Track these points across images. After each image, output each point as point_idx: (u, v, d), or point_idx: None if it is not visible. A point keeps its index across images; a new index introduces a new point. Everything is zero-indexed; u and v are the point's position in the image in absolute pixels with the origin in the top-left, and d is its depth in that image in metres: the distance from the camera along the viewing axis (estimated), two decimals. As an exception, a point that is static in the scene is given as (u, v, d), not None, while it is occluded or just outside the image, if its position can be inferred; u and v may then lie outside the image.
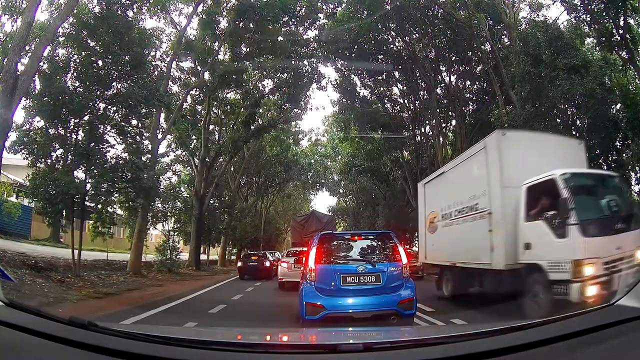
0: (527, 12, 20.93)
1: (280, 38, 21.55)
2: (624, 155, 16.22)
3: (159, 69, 17.54)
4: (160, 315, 7.66)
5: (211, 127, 27.07)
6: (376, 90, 26.36)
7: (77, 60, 12.57)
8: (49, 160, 12.09)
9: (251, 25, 20.35)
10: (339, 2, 21.72)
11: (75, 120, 12.24)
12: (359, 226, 39.24)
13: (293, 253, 15.48)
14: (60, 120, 11.85)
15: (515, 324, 1.86)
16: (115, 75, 12.94)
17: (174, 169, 30.15)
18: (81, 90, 12.34)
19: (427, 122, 26.23)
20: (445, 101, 24.44)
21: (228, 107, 26.80)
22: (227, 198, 31.16)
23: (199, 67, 22.09)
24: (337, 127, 33.12)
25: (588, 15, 15.23)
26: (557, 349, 1.57)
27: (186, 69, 23.71)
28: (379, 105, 27.04)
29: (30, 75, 10.86)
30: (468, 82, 24.38)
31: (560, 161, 7.35)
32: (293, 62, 22.69)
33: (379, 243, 6.90)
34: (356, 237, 7.18)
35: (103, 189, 12.61)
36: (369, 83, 25.84)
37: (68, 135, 12.31)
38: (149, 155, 15.64)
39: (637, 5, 14.19)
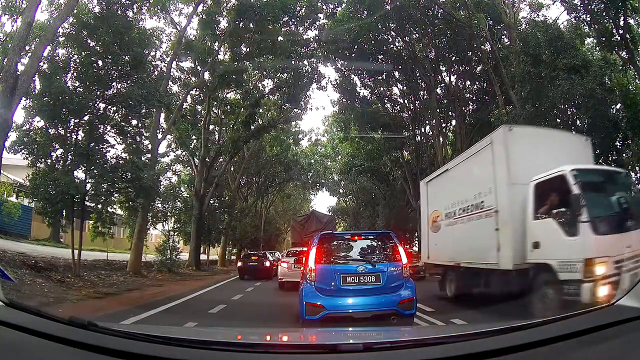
0: (527, 12, 20.96)
1: (280, 38, 21.55)
2: (624, 155, 16.22)
3: (159, 69, 17.56)
4: (160, 315, 7.66)
5: (211, 127, 27.08)
6: (376, 90, 26.37)
7: (77, 60, 12.56)
8: (49, 160, 12.08)
9: (251, 25, 20.35)
10: (339, 2, 21.73)
11: (75, 120, 12.23)
12: (359, 226, 39.23)
13: (293, 253, 15.48)
14: (60, 120, 11.84)
15: (515, 324, 1.85)
16: (115, 75, 12.94)
17: (174, 169, 30.26)
18: (81, 90, 12.34)
19: (427, 122, 26.24)
20: (445, 101, 24.45)
21: (228, 107, 26.82)
22: (227, 198, 31.15)
23: (199, 67, 22.10)
24: (337, 127, 33.14)
25: (588, 15, 15.24)
26: (557, 349, 1.56)
27: (186, 69, 23.75)
28: (379, 105, 27.05)
29: (30, 75, 10.86)
30: (468, 82, 24.39)
31: (567, 157, 7.14)
32: (293, 62, 22.68)
33: (379, 243, 6.89)
34: (356, 237, 7.17)
35: (103, 189, 12.61)
36: (369, 83, 25.85)
37: (68, 135, 12.30)
38: (149, 155, 15.65)
39: (637, 5, 14.20)
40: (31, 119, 12.09)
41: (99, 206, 13.06)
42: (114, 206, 14.52)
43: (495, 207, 7.92)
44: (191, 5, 20.83)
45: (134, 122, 13.83)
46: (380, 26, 21.71)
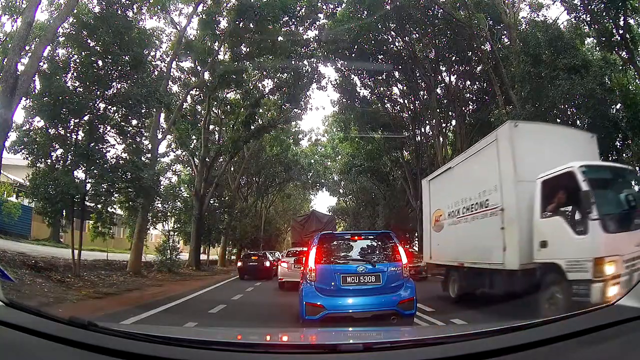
0: (527, 12, 20.98)
1: (280, 38, 21.56)
2: (624, 155, 16.22)
3: (159, 69, 17.55)
4: (160, 315, 7.66)
5: (211, 127, 27.09)
6: (376, 90, 26.39)
7: (77, 60, 12.56)
8: (49, 160, 12.07)
9: (251, 25, 20.35)
10: (339, 2, 21.74)
11: (75, 120, 12.22)
12: (359, 226, 39.24)
13: (293, 253, 15.48)
14: (60, 120, 11.84)
15: (515, 324, 1.85)
16: (115, 75, 12.94)
17: (174, 169, 30.27)
18: (81, 90, 12.33)
19: (427, 122, 26.26)
20: (445, 101, 24.46)
21: (228, 107, 26.83)
22: (227, 198, 31.15)
23: (199, 67, 22.10)
24: (337, 127, 33.15)
25: (588, 15, 15.24)
26: (557, 349, 1.56)
27: (186, 69, 23.75)
28: (379, 105, 27.07)
29: (30, 75, 10.86)
30: (468, 82, 24.41)
31: (573, 154, 6.88)
32: (293, 62, 22.68)
33: (379, 243, 6.89)
34: (356, 237, 7.17)
35: (103, 189, 12.61)
36: (369, 83, 25.87)
37: (68, 135, 12.29)
38: (149, 155, 15.65)
39: (637, 5, 14.20)
40: (31, 119, 12.09)
41: (99, 206, 13.06)
42: (114, 206, 14.52)
43: (501, 205, 7.70)
44: (191, 5, 20.84)
45: (134, 122, 13.83)
46: (380, 26, 21.72)
